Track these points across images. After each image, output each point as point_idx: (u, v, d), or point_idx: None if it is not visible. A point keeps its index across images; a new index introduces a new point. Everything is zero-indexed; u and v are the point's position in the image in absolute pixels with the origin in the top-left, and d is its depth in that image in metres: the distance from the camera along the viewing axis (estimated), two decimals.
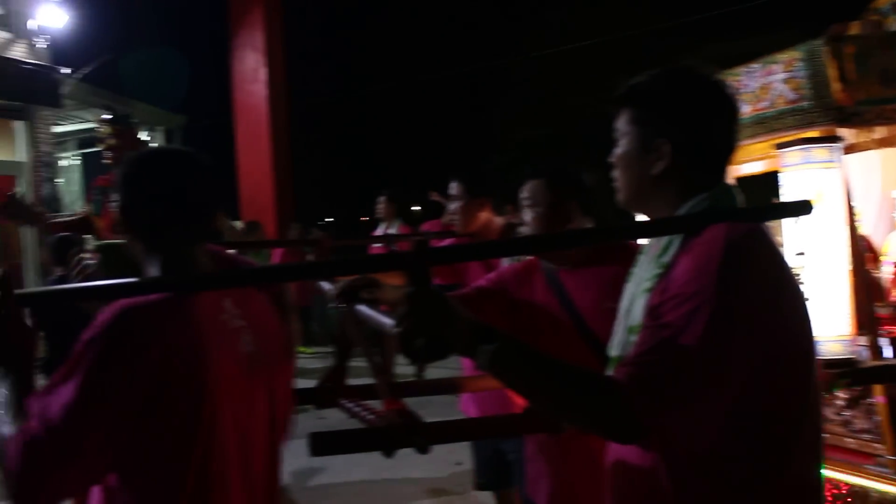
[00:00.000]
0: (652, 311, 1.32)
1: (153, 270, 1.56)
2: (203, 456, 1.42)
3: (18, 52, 11.03)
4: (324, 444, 1.65)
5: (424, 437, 1.61)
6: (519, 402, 1.40)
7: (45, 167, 11.53)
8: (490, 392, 2.72)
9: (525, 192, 2.36)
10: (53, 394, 1.35)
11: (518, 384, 1.35)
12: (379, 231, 8.15)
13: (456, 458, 5.25)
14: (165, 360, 1.38)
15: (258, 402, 1.57)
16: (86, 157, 15.22)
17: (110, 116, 5.95)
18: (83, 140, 15.00)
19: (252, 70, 11.90)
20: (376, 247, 7.02)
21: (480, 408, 3.15)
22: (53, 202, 11.55)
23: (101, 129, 5.99)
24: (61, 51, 11.93)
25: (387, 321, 1.75)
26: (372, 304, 2.13)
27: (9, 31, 11.09)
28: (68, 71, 11.09)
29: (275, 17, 12.09)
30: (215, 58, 14.01)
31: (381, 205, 8.13)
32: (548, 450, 2.30)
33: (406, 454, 1.62)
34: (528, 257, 2.44)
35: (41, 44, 11.45)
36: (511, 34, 23.81)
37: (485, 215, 3.26)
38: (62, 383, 1.35)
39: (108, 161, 5.98)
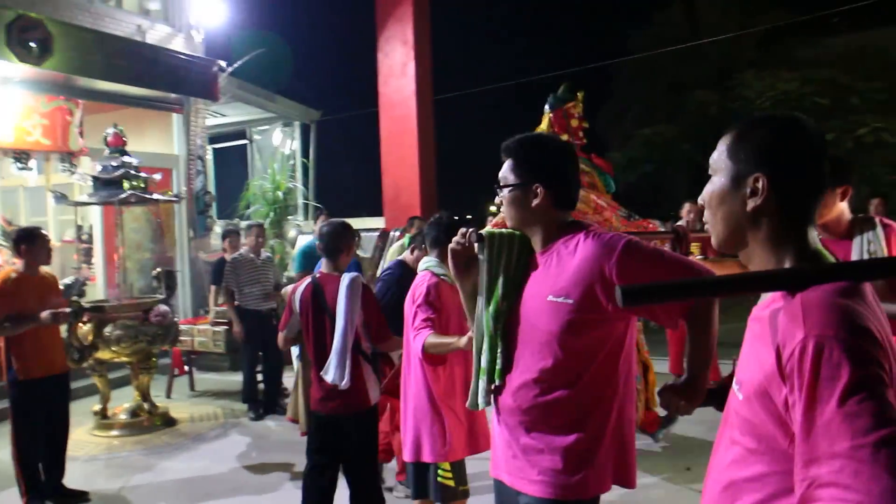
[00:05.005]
0: None
1: (784, 261, 1.33)
2: None
3: (176, 45, 11.15)
4: None
5: None
6: None
7: (196, 160, 11.60)
8: None
9: None
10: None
11: None
12: None
13: None
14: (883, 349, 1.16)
15: None
16: (216, 152, 15.37)
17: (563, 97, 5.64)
18: (216, 135, 15.14)
19: (400, 64, 11.75)
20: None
21: None
22: (203, 195, 11.63)
23: (572, 109, 5.62)
24: (215, 45, 12.06)
25: None
26: None
27: (168, 24, 11.23)
28: (224, 64, 11.07)
29: (423, 9, 11.93)
30: (352, 53, 14.02)
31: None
32: None
33: None
34: None
35: (198, 38, 11.56)
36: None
37: (840, 206, 2.92)
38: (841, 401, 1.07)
39: (579, 139, 5.60)
